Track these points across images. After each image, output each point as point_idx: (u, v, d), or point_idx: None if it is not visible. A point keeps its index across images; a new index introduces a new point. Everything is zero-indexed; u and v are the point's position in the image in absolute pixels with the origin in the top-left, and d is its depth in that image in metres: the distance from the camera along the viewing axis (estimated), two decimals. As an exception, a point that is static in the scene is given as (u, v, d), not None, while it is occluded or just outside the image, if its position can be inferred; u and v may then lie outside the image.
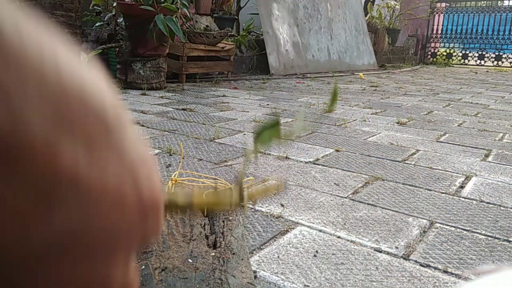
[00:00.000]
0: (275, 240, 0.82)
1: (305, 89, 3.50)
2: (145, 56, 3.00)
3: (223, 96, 2.91)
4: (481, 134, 1.94)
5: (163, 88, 3.11)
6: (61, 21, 2.47)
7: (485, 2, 8.84)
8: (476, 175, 1.30)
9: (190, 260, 0.68)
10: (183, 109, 2.29)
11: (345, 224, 0.91)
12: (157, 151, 1.44)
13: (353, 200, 1.06)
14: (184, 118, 2.05)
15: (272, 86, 3.62)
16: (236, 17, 4.89)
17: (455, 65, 8.69)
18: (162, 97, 2.74)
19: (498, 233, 0.90)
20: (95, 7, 3.61)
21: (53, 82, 0.13)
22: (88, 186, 0.14)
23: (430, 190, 1.15)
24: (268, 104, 2.60)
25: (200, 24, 3.93)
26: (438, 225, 0.92)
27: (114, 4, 3.42)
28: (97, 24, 3.67)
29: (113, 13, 3.56)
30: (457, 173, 1.32)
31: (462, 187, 1.19)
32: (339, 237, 0.85)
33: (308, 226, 0.89)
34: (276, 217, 0.93)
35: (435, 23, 9.18)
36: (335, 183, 1.17)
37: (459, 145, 1.70)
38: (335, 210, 0.98)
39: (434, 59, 9.05)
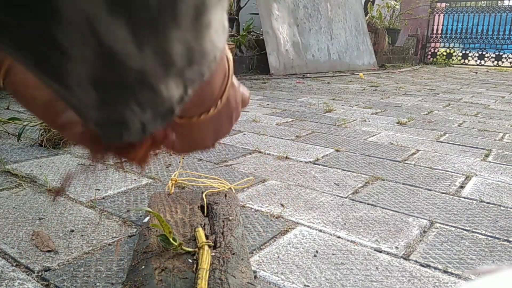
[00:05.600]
0: (275, 240, 0.82)
1: (305, 89, 3.50)
2: (145, 56, 2.99)
3: (223, 96, 2.91)
4: (481, 134, 1.94)
5: (163, 88, 3.11)
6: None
7: (485, 2, 8.84)
8: (476, 175, 1.30)
9: (190, 260, 0.68)
10: (183, 109, 2.29)
11: (345, 224, 0.91)
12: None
13: (353, 200, 1.06)
14: (184, 118, 2.04)
15: (272, 86, 3.62)
16: (236, 17, 4.89)
17: (455, 65, 8.69)
18: (162, 97, 2.74)
19: (498, 233, 0.90)
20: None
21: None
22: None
23: (430, 190, 1.15)
24: (268, 104, 2.61)
25: (200, 24, 3.92)
26: (438, 225, 0.92)
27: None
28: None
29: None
30: (457, 173, 1.32)
31: (462, 187, 1.19)
32: (339, 237, 0.85)
33: (308, 226, 0.89)
34: (276, 217, 0.93)
35: (435, 23, 9.19)
36: (335, 183, 1.17)
37: (459, 145, 1.70)
38: (335, 210, 0.98)
39: (434, 59, 9.05)
